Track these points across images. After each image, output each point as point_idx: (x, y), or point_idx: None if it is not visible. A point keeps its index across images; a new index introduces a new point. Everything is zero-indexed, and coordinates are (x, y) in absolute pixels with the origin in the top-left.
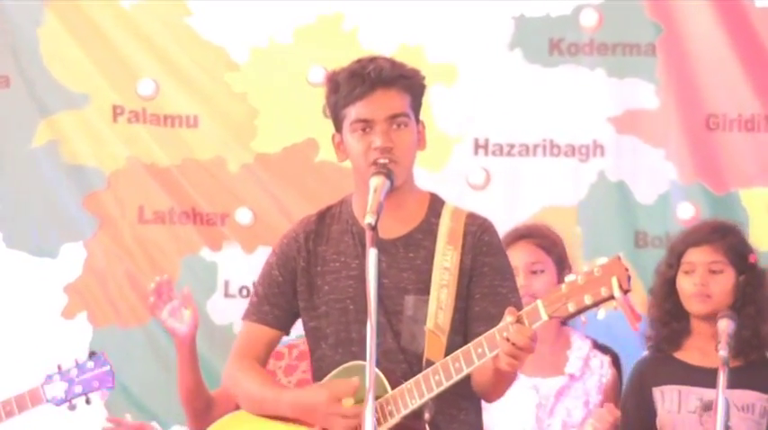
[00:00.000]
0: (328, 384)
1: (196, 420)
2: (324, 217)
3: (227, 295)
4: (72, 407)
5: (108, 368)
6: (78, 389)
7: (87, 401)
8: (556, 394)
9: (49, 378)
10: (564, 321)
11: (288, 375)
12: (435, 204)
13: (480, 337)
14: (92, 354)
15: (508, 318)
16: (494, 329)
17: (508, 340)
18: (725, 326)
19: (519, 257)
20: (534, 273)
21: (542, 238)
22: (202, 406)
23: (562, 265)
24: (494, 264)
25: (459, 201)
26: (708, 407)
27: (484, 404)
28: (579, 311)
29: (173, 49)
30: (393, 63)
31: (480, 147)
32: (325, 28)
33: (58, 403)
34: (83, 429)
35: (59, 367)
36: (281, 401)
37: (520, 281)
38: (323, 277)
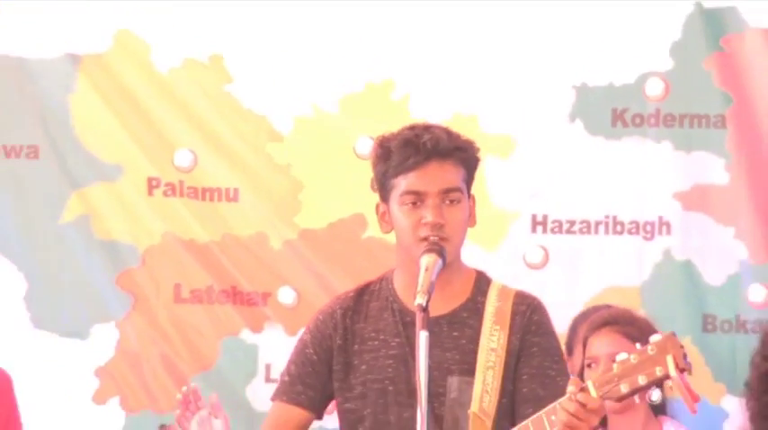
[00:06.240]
0: None
1: None
2: (362, 293)
3: (268, 380)
4: None
5: None
6: None
7: None
8: None
9: None
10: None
11: None
12: (482, 282)
13: (527, 420)
14: (161, 427)
15: (571, 387)
16: (541, 412)
17: (567, 411)
18: None
19: (601, 346)
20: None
21: (629, 326)
22: None
23: None
24: (543, 345)
25: (515, 281)
26: None
27: None
28: (633, 392)
29: (212, 118)
30: (449, 133)
31: (538, 223)
32: (373, 96)
33: None
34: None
35: None
36: None
37: (599, 372)
38: (360, 356)
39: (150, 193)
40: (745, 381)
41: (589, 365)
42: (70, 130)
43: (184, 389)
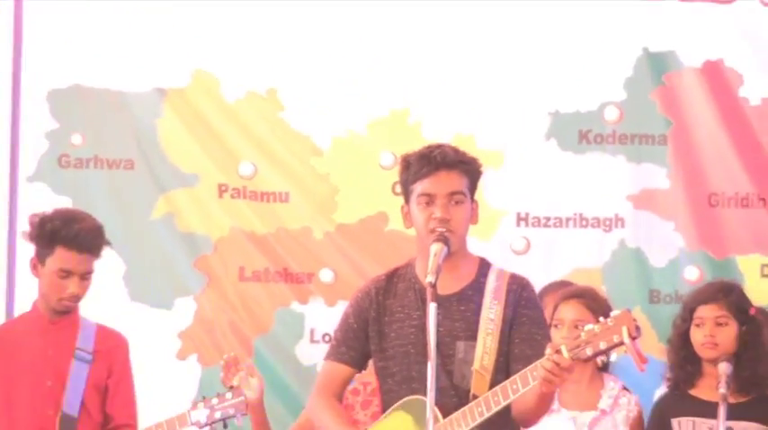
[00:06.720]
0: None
1: None
2: (392, 276)
3: (312, 341)
4: None
5: (242, 399)
6: (218, 415)
7: (225, 426)
8: (589, 425)
9: (195, 405)
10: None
11: (364, 409)
12: (484, 266)
13: (515, 376)
14: (231, 388)
15: (548, 350)
16: (526, 369)
17: (545, 368)
18: (723, 368)
19: (568, 313)
20: (577, 328)
21: (591, 300)
22: None
23: None
24: (531, 316)
25: (503, 264)
26: None
27: None
28: (596, 354)
29: (268, 138)
30: (456, 150)
31: (522, 219)
32: (394, 121)
33: (201, 426)
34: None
35: (204, 397)
36: None
37: (563, 332)
38: (390, 326)
39: (220, 196)
40: (668, 338)
41: (555, 326)
42: (158, 147)
43: (225, 356)
